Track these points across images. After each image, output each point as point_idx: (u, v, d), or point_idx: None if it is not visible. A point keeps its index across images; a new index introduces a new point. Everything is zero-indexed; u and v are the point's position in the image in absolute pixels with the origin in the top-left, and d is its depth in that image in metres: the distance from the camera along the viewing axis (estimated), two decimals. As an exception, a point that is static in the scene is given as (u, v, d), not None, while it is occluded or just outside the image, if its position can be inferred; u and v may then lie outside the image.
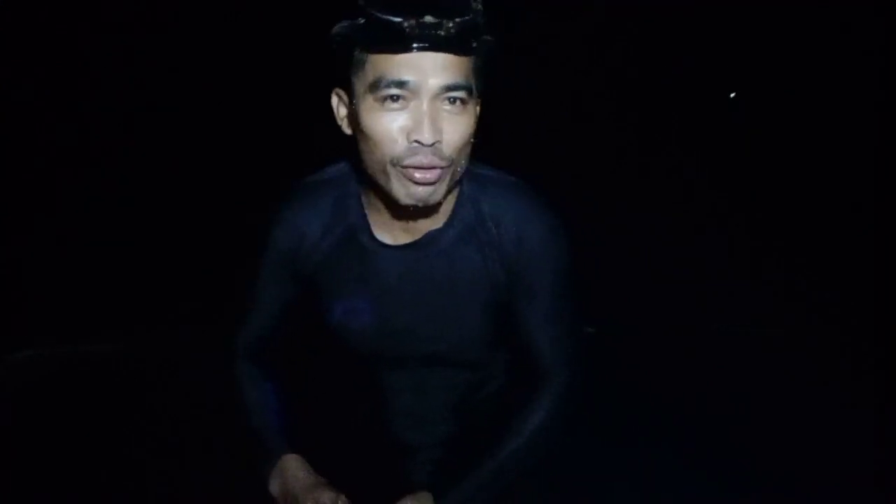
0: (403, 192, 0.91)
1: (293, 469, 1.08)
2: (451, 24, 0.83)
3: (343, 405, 1.24)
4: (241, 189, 3.42)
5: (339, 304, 1.08)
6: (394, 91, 0.86)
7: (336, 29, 0.92)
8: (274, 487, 1.07)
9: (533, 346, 1.08)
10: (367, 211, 1.06)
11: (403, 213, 0.99)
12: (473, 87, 0.89)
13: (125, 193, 3.41)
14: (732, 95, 4.27)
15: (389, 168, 0.90)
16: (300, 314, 1.15)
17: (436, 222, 1.03)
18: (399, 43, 0.84)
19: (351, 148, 0.98)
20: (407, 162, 0.89)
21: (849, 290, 2.90)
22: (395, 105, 0.87)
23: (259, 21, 3.71)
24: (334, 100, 0.99)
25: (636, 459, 1.92)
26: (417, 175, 0.89)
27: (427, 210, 0.99)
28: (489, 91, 0.97)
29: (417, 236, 1.03)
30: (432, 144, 0.87)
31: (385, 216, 1.04)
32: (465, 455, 1.11)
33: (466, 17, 0.85)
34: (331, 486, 1.06)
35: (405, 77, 0.85)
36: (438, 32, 0.83)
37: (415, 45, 0.83)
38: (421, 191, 0.91)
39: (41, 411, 2.22)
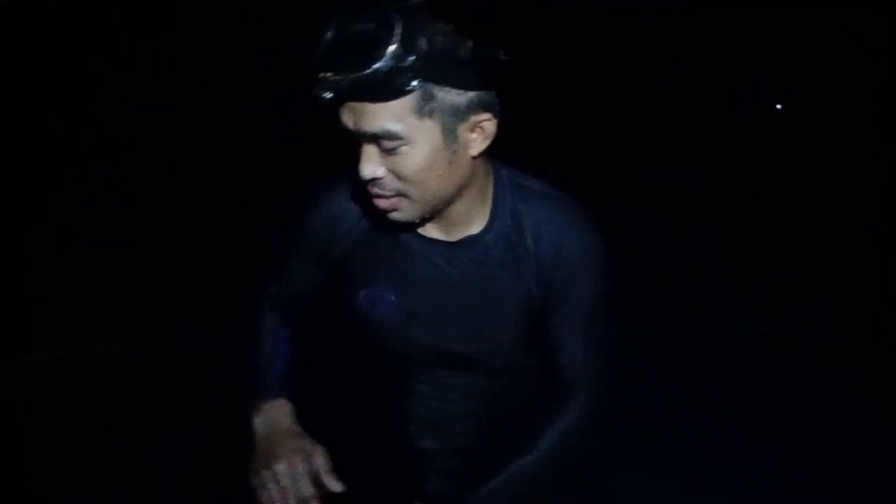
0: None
1: (281, 413, 1.07)
2: (352, 78, 0.84)
3: (362, 405, 1.24)
4: (241, 191, 3.43)
5: (367, 289, 1.07)
6: (344, 133, 0.91)
7: None
8: (258, 424, 1.07)
9: (559, 361, 1.07)
10: None
11: (437, 213, 1.02)
12: (404, 131, 0.88)
13: (125, 195, 3.42)
14: (779, 107, 4.25)
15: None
16: (328, 304, 1.16)
17: (472, 228, 1.03)
18: (317, 93, 0.87)
19: None
20: (367, 188, 0.95)
21: (849, 289, 2.90)
22: (355, 142, 0.92)
23: (259, 20, 3.72)
24: None
25: (635, 458, 1.92)
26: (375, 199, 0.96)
27: (462, 215, 1.01)
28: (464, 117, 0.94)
29: (454, 238, 1.04)
30: (371, 180, 0.92)
31: None
32: (481, 467, 1.10)
33: (366, 72, 0.83)
34: (311, 439, 1.05)
35: (343, 122, 0.90)
36: (341, 84, 0.85)
37: (325, 94, 0.86)
38: (384, 209, 0.97)
39: (42, 412, 2.22)
